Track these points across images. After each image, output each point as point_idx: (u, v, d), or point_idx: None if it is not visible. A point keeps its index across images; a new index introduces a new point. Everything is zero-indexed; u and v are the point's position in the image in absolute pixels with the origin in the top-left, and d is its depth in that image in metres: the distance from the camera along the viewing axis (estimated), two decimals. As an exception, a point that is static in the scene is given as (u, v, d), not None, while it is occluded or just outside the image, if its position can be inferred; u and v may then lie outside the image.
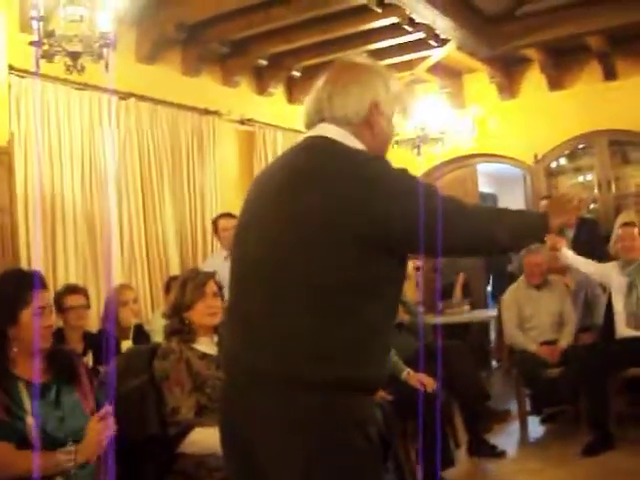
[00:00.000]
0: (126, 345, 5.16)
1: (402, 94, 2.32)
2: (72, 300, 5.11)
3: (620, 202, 8.96)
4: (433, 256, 2.15)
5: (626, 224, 6.36)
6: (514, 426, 6.41)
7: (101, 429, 3.05)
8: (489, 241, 2.13)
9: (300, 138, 2.24)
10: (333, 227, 1.95)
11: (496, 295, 8.67)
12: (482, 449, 5.81)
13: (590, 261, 6.28)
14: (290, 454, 1.96)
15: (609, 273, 6.17)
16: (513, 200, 11.32)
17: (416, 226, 1.91)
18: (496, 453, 5.80)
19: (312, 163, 2.08)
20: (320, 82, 2.24)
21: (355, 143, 2.14)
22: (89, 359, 4.82)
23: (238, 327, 2.12)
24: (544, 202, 8.54)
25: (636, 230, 6.20)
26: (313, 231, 1.97)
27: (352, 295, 1.98)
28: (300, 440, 1.95)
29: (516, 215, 2.26)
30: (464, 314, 8.06)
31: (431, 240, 1.93)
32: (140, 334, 5.62)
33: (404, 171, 2.07)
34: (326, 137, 2.13)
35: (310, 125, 2.23)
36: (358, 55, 2.36)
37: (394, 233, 1.98)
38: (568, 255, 6.16)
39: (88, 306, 5.27)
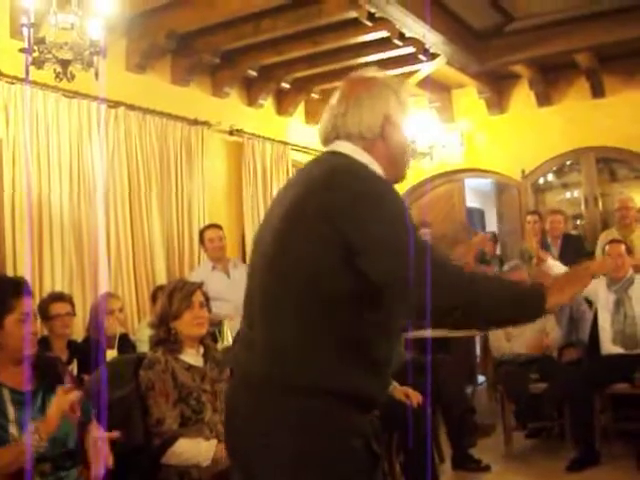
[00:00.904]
0: (111, 354, 5.13)
1: (409, 101, 2.30)
2: (57, 308, 5.08)
3: (607, 218, 8.99)
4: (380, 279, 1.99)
5: (613, 241, 6.36)
6: (499, 441, 6.40)
7: (63, 402, 3.02)
8: (448, 311, 1.96)
9: (319, 154, 2.28)
10: (327, 237, 1.97)
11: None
12: (466, 463, 5.80)
13: None
14: (275, 453, 1.99)
15: (596, 289, 6.18)
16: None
17: (385, 254, 1.92)
18: (480, 467, 5.79)
19: (318, 176, 2.09)
20: (334, 99, 2.26)
21: (366, 158, 2.15)
22: (74, 367, 4.79)
23: (243, 331, 2.18)
24: (530, 217, 8.60)
25: (623, 247, 6.19)
26: (312, 242, 1.99)
27: (337, 304, 1.99)
28: (285, 440, 1.98)
29: (502, 289, 2.08)
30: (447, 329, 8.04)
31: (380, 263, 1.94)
32: (125, 344, 5.59)
33: (399, 201, 2.04)
34: (339, 152, 2.16)
35: (326, 142, 2.25)
36: (369, 69, 2.34)
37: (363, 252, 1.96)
38: (554, 266, 6.16)
39: (74, 314, 5.24)
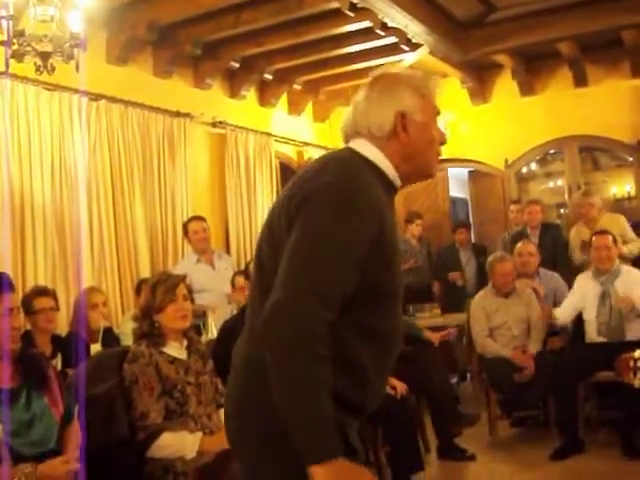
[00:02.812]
0: (95, 348, 5.11)
1: (435, 95, 2.22)
2: (41, 302, 5.05)
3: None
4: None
5: (599, 233, 6.30)
6: (484, 430, 6.42)
7: (58, 469, 3.03)
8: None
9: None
10: (278, 231, 2.00)
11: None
12: (452, 452, 5.82)
13: (568, 305, 6.27)
14: (246, 437, 2.01)
15: (584, 288, 6.17)
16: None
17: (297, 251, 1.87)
18: (466, 457, 5.81)
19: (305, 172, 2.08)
20: (354, 97, 2.21)
21: (374, 153, 2.10)
22: (58, 362, 4.77)
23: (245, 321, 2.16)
24: (513, 206, 8.63)
25: (610, 238, 6.14)
26: (269, 234, 2.04)
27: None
28: (255, 424, 1.98)
29: (311, 404, 1.78)
30: (435, 318, 8.06)
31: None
32: (109, 337, 5.57)
33: (356, 207, 1.92)
34: (349, 148, 2.13)
35: (345, 139, 2.20)
36: (394, 64, 2.30)
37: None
38: (557, 314, 6.20)
39: (57, 308, 5.21)
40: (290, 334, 1.77)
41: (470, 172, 11.12)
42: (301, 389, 1.77)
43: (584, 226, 7.58)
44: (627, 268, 6.23)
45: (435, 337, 6.19)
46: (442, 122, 2.25)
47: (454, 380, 7.59)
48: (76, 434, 3.25)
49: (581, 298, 6.21)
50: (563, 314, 6.21)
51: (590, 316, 6.10)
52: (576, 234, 7.65)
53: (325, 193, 1.91)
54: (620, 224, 7.43)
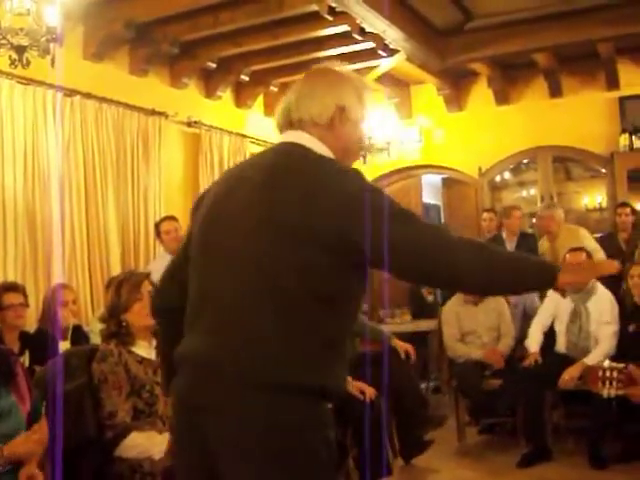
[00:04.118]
0: (64, 346, 5.07)
1: (369, 101, 2.32)
2: (10, 298, 5.00)
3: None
4: (402, 278, 2.10)
5: (574, 250, 6.24)
6: (452, 436, 6.44)
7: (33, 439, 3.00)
8: (460, 276, 2.03)
9: (276, 143, 2.27)
10: (307, 236, 1.98)
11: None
12: (412, 450, 5.82)
13: (539, 329, 6.29)
14: (246, 452, 1.97)
15: (556, 301, 6.17)
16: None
17: (387, 251, 1.94)
18: (424, 443, 5.83)
19: (291, 169, 2.10)
20: (293, 86, 2.29)
21: (323, 149, 2.17)
22: (25, 359, 4.73)
23: (204, 323, 2.11)
24: (486, 214, 8.65)
25: (584, 255, 6.07)
26: (288, 238, 1.99)
27: (318, 304, 2.01)
28: (250, 442, 1.96)
29: (514, 258, 2.18)
30: (405, 324, 8.09)
31: (399, 262, 1.98)
32: (79, 335, 5.53)
33: (378, 189, 2.09)
34: (298, 144, 2.17)
35: (281, 126, 2.27)
36: (333, 63, 2.37)
37: (367, 251, 1.98)
38: (528, 346, 6.22)
39: (27, 305, 5.16)
40: (482, 269, 2.03)
41: (444, 179, 11.17)
42: (513, 275, 2.09)
43: (546, 240, 7.60)
44: (603, 290, 6.15)
45: (402, 347, 6.13)
46: (366, 129, 2.38)
47: (423, 385, 7.60)
48: (43, 432, 3.21)
49: (550, 317, 6.23)
50: (532, 344, 6.21)
51: (560, 329, 6.13)
52: (541, 246, 7.69)
53: (381, 201, 2.01)
54: (578, 237, 7.30)
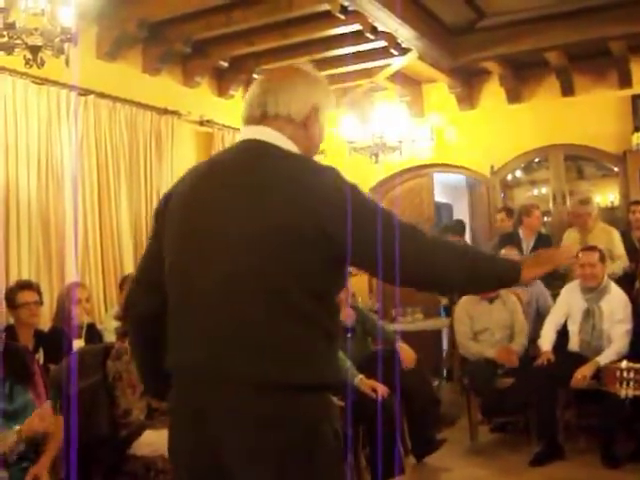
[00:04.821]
0: (78, 344, 5.10)
1: (333, 107, 2.37)
2: (25, 296, 5.03)
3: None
4: (388, 281, 2.11)
5: (587, 249, 6.24)
6: (464, 435, 6.44)
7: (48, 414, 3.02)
8: (440, 276, 2.12)
9: (240, 139, 2.24)
10: (296, 236, 1.98)
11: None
12: (424, 449, 5.82)
13: (552, 328, 6.30)
14: (261, 453, 1.98)
15: (570, 300, 6.18)
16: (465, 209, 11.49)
17: (374, 248, 1.98)
18: (437, 442, 5.83)
19: (270, 169, 2.09)
20: (263, 79, 2.28)
21: (293, 148, 2.17)
22: (40, 357, 4.75)
23: (196, 331, 2.08)
24: (500, 215, 8.65)
25: (596, 256, 6.08)
26: (278, 239, 1.99)
27: (313, 302, 2.02)
28: (271, 439, 1.97)
29: (484, 259, 2.25)
30: (418, 322, 8.09)
31: (387, 264, 2.00)
32: (92, 333, 5.56)
33: (359, 189, 2.11)
34: (269, 143, 2.15)
35: (251, 119, 2.23)
36: (303, 64, 2.39)
37: (353, 252, 2.00)
38: (541, 346, 6.21)
39: (41, 303, 5.19)
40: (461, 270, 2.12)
41: (468, 180, 11.18)
42: (485, 275, 2.20)
43: (577, 232, 7.60)
44: (616, 289, 6.15)
45: (409, 356, 6.04)
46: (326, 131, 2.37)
47: (436, 383, 7.60)
48: (58, 432, 3.23)
49: (564, 316, 6.23)
50: (545, 342, 6.21)
51: (573, 328, 6.13)
52: (567, 239, 7.69)
53: (362, 197, 2.08)
54: (611, 238, 7.38)
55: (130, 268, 7.02)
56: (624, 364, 2.82)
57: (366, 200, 2.07)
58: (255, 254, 2.01)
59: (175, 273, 2.16)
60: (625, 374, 2.84)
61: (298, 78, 2.25)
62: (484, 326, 6.49)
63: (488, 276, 2.20)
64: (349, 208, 1.98)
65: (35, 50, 4.93)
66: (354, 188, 2.06)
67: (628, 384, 2.83)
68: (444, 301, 8.80)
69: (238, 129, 8.79)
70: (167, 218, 2.22)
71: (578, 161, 9.46)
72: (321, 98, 2.26)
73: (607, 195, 9.44)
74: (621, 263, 7.24)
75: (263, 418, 1.97)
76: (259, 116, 2.21)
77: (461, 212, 11.92)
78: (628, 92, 8.94)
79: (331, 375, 2.10)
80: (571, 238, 7.64)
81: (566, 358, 6.04)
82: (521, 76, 9.48)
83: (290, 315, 2.00)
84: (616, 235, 7.48)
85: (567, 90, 9.20)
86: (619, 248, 7.32)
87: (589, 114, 8.96)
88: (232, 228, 2.04)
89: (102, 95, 7.02)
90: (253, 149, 2.17)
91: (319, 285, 2.04)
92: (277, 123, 2.18)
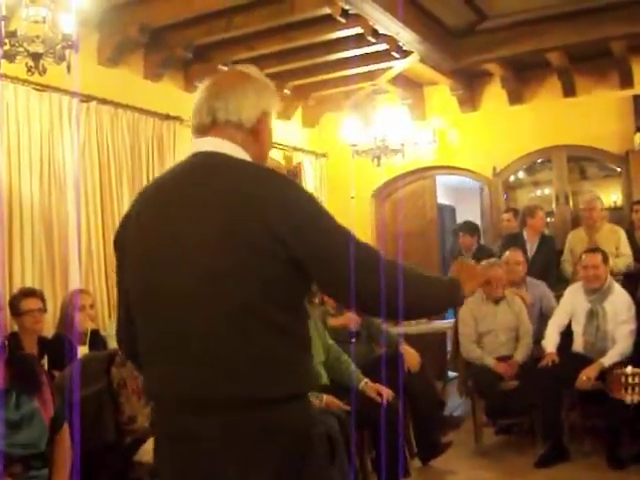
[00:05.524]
0: (82, 351, 5.11)
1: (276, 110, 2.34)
2: (28, 304, 5.05)
3: (577, 216, 9.04)
4: (325, 291, 2.14)
5: (590, 251, 6.28)
6: (469, 437, 6.43)
7: None
8: (389, 301, 2.00)
9: (192, 152, 2.20)
10: (250, 245, 1.94)
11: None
12: (430, 452, 5.82)
13: (556, 329, 6.29)
14: (257, 467, 1.97)
15: (573, 301, 6.19)
16: (470, 212, 11.44)
17: (330, 261, 1.98)
18: (442, 445, 5.84)
19: (222, 184, 2.04)
20: (211, 83, 2.24)
21: (245, 156, 2.13)
22: (44, 364, 4.76)
23: (172, 354, 2.04)
24: (507, 215, 8.66)
25: (600, 257, 6.10)
26: (246, 254, 1.94)
27: (286, 313, 2.00)
28: (265, 452, 1.96)
29: (422, 281, 2.16)
30: (421, 325, 8.08)
31: (324, 274, 2.01)
32: (96, 339, 5.56)
33: (315, 199, 2.09)
34: (227, 155, 2.10)
35: (201, 128, 2.18)
36: (247, 66, 2.34)
37: (313, 263, 1.99)
38: (545, 347, 6.21)
39: (45, 310, 5.20)
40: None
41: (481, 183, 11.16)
42: (428, 297, 2.16)
43: (583, 232, 7.63)
44: (619, 289, 6.17)
45: (413, 359, 6.08)
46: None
47: (439, 385, 7.59)
48: (66, 441, 3.23)
49: (567, 317, 6.24)
50: (549, 344, 6.21)
51: (577, 329, 6.13)
52: (573, 239, 7.70)
53: (314, 205, 2.04)
54: (619, 237, 7.52)
55: (133, 274, 7.02)
56: (629, 369, 2.82)
57: (320, 211, 2.03)
58: (212, 267, 1.96)
59: (139, 303, 2.13)
60: (630, 379, 2.84)
61: (248, 83, 2.20)
62: (489, 328, 6.48)
63: (431, 298, 2.18)
64: (302, 215, 1.97)
65: (37, 57, 4.94)
66: (310, 198, 2.05)
67: (634, 389, 2.83)
68: None
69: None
70: (129, 248, 2.19)
71: (580, 162, 9.46)
72: (271, 102, 2.24)
73: (610, 195, 9.42)
74: (625, 259, 7.29)
75: (255, 434, 1.95)
76: (209, 123, 2.15)
77: (464, 214, 11.89)
78: (629, 92, 8.94)
79: (311, 381, 2.16)
80: (577, 238, 7.66)
81: (570, 359, 6.04)
82: (522, 77, 9.49)
83: (263, 329, 1.96)
84: (623, 235, 7.57)
85: (569, 91, 9.20)
86: (626, 247, 7.42)
87: (591, 115, 8.96)
88: (187, 246, 2.00)
89: (104, 101, 7.02)
90: (206, 164, 2.12)
91: (284, 293, 1.99)
92: (228, 130, 2.13)
